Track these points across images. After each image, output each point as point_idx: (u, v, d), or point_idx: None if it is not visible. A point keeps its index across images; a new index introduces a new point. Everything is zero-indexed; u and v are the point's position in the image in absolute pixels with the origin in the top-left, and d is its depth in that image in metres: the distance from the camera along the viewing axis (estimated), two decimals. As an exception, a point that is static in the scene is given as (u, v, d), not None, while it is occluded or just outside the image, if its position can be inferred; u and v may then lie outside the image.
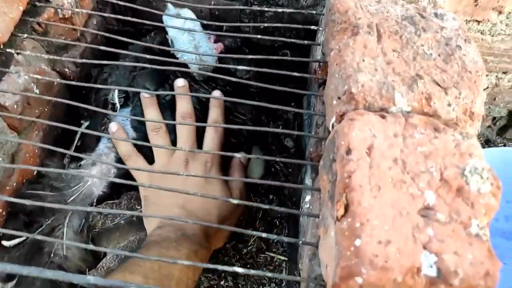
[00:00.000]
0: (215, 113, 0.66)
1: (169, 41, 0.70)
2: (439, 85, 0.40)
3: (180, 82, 0.66)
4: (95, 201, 0.64)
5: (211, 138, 0.65)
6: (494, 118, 0.98)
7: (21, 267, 0.41)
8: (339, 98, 0.40)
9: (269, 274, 0.39)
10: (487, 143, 0.98)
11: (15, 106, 0.56)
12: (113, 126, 0.64)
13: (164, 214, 0.58)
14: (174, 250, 0.52)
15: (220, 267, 0.39)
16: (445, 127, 0.37)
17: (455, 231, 0.32)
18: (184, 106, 0.65)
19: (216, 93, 0.67)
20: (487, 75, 0.87)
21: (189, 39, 0.66)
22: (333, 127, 0.40)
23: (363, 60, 0.41)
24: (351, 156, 0.35)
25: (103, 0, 0.74)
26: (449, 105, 0.39)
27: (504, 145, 0.97)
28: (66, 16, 0.67)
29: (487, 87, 0.89)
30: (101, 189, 0.65)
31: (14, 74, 0.56)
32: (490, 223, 0.33)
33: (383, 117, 0.37)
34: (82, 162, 0.64)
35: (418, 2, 0.50)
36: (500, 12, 0.73)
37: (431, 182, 0.34)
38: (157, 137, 0.64)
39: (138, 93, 0.65)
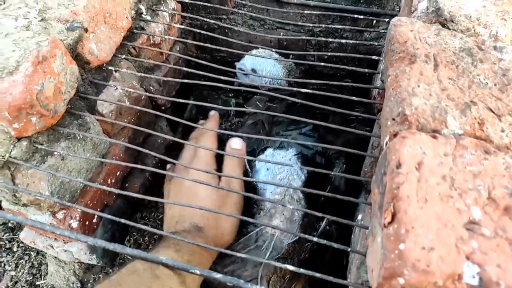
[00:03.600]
0: (229, 165, 0.69)
1: (249, 70, 0.79)
2: (493, 111, 0.42)
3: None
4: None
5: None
6: None
7: (108, 242, 0.49)
8: (393, 119, 0.44)
9: (318, 275, 0.43)
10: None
11: (110, 114, 0.66)
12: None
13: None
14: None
15: (273, 263, 0.43)
16: (496, 150, 0.39)
17: (500, 246, 0.33)
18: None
19: (236, 143, 0.71)
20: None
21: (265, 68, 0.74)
22: (386, 144, 0.44)
23: (418, 86, 0.44)
24: (400, 170, 0.38)
25: (187, 29, 0.84)
26: (503, 131, 0.41)
27: None
28: (156, 42, 0.78)
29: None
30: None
31: (112, 87, 0.66)
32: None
33: (434, 137, 0.40)
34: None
35: (478, 36, 0.53)
36: None
37: (478, 200, 0.36)
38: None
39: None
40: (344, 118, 0.67)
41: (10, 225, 0.92)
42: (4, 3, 0.58)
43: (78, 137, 0.61)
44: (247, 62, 0.85)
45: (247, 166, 0.70)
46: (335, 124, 0.55)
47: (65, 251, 0.74)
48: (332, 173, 0.54)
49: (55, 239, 0.72)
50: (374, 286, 0.36)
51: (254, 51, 0.84)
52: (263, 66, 0.84)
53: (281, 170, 0.66)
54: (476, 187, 0.36)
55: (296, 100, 0.59)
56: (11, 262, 0.86)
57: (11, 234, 0.90)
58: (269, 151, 0.70)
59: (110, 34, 0.66)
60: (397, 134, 0.42)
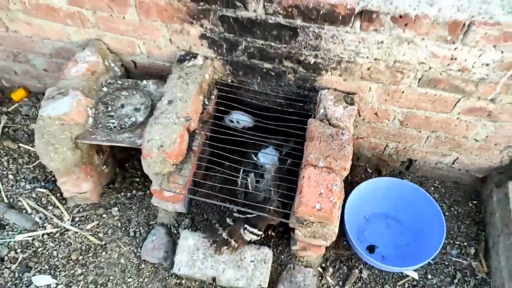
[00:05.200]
0: None
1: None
2: (335, 158, 1.38)
3: None
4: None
5: None
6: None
7: (194, 196, 1.44)
8: (306, 159, 1.39)
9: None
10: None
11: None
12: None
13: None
14: None
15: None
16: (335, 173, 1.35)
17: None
18: None
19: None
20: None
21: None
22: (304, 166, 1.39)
23: (312, 149, 1.39)
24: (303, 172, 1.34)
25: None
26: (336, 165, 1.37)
27: (407, 174, 1.91)
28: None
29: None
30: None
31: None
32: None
33: (315, 168, 1.36)
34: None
35: (338, 127, 1.48)
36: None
37: (323, 186, 1.33)
38: None
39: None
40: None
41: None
42: (161, 112, 1.47)
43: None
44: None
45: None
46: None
47: (170, 206, 1.67)
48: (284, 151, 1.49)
49: (167, 201, 1.65)
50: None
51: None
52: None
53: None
54: (323, 183, 1.33)
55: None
56: (139, 211, 1.77)
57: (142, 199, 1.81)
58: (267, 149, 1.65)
59: (196, 118, 1.56)
60: (305, 166, 1.38)
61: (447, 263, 1.69)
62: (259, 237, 1.51)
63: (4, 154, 1.97)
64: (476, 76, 1.38)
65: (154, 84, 1.71)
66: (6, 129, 2.07)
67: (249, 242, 1.53)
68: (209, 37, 1.56)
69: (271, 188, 1.53)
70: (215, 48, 1.60)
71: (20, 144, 2.01)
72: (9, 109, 2.16)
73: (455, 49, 1.31)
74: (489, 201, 1.76)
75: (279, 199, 1.49)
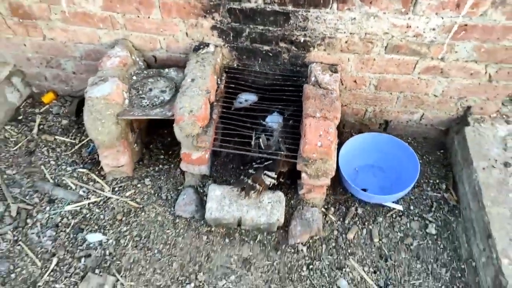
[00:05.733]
0: None
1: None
2: (325, 110, 1.77)
3: None
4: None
5: None
6: (380, 122, 2.33)
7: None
8: (306, 112, 1.78)
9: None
10: (378, 133, 2.33)
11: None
12: None
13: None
14: None
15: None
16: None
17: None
18: None
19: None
20: (370, 105, 2.23)
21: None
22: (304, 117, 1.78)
23: (310, 105, 1.78)
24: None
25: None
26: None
27: (385, 134, 2.32)
28: (221, 90, 2.07)
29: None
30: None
31: (215, 109, 1.95)
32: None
33: (313, 117, 1.75)
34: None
35: (327, 88, 1.88)
36: (366, 84, 2.11)
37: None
38: None
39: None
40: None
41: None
42: (186, 88, 1.85)
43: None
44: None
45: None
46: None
47: (196, 169, 2.01)
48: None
49: (193, 164, 1.99)
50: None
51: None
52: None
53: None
54: (321, 127, 1.72)
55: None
56: (167, 180, 2.10)
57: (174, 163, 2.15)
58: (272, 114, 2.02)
59: (213, 93, 1.93)
60: (306, 117, 1.76)
61: (424, 197, 2.08)
62: (275, 181, 1.86)
63: (43, 145, 2.28)
64: (427, 40, 1.82)
65: (175, 71, 2.09)
66: (41, 126, 2.39)
67: (269, 187, 1.88)
68: (219, 28, 1.96)
69: (279, 141, 1.90)
70: (224, 36, 2.00)
71: (56, 137, 2.33)
72: (41, 110, 2.48)
73: (408, 18, 1.75)
74: (452, 146, 2.18)
75: (287, 146, 1.86)
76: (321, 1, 1.74)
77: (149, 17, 1.97)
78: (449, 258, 1.86)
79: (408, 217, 2.00)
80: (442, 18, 1.72)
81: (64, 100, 2.53)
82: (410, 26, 1.78)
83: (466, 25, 1.73)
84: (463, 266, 1.83)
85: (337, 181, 2.11)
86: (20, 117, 2.44)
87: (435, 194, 2.08)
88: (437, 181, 2.14)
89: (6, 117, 2.39)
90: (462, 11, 1.69)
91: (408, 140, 2.32)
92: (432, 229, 1.94)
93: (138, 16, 1.97)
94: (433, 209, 2.03)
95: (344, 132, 2.36)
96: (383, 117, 2.26)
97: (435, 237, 1.93)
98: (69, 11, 2.01)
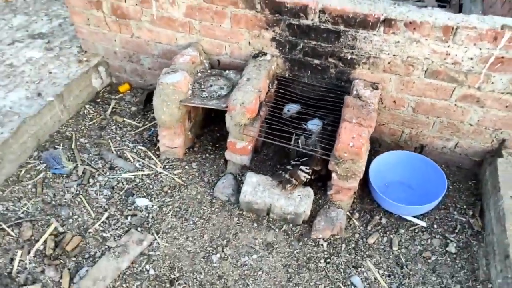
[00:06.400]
0: None
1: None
2: (363, 118, 1.96)
3: None
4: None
5: None
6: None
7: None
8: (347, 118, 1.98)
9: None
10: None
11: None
12: None
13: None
14: None
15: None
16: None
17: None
18: None
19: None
20: (407, 128, 2.37)
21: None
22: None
23: (347, 113, 1.99)
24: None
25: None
26: (364, 122, 1.95)
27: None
28: (271, 94, 2.34)
29: (408, 133, 2.38)
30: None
31: (263, 107, 2.21)
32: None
33: (349, 122, 1.94)
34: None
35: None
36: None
37: (355, 133, 1.90)
38: None
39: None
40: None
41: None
42: (242, 85, 2.13)
43: (257, 120, 2.14)
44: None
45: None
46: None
47: (238, 158, 2.25)
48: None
49: (236, 153, 2.23)
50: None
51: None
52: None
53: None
54: (355, 131, 1.91)
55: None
56: (211, 167, 2.36)
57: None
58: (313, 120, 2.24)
59: (264, 93, 2.20)
60: (343, 121, 1.96)
61: (449, 219, 2.14)
62: (309, 176, 2.05)
63: (113, 124, 2.66)
64: (465, 68, 1.98)
65: (234, 73, 2.40)
66: (114, 109, 2.78)
67: (304, 183, 2.07)
68: (278, 40, 2.26)
69: (316, 142, 2.10)
70: (280, 48, 2.29)
71: (124, 119, 2.70)
72: (116, 97, 2.89)
73: (448, 46, 1.93)
74: (484, 177, 2.25)
75: (323, 145, 2.05)
76: (370, 24, 1.99)
77: (220, 26, 2.32)
78: (466, 277, 1.89)
79: (430, 234, 2.07)
80: (480, 49, 1.89)
81: (136, 91, 2.93)
82: (449, 54, 1.95)
83: (503, 57, 1.88)
84: (478, 286, 1.85)
85: (366, 193, 2.24)
86: (98, 100, 2.86)
87: (460, 217, 2.14)
88: (465, 206, 2.19)
89: (87, 97, 2.82)
90: (499, 44, 1.85)
91: (442, 167, 2.41)
92: (452, 248, 1.99)
93: (212, 24, 2.33)
94: (456, 230, 2.08)
95: (379, 151, 2.50)
96: (418, 141, 2.39)
97: (454, 256, 1.97)
98: (157, 15, 2.42)
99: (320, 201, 2.17)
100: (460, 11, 3.70)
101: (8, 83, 2.60)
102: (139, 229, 2.05)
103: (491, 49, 1.87)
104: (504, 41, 1.83)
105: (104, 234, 2.03)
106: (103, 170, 2.35)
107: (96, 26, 2.66)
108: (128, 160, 2.42)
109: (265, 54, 2.33)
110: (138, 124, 2.67)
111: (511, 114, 2.07)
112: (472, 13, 2.16)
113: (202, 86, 2.32)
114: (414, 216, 2.13)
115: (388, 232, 2.08)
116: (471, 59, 1.93)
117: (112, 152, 2.46)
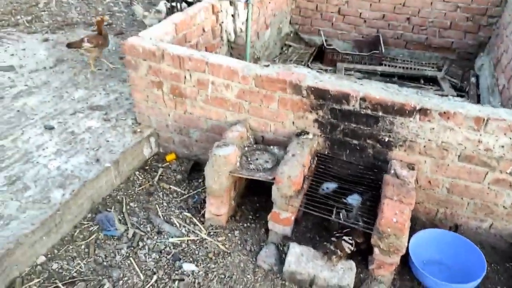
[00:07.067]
0: None
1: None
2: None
3: None
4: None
5: None
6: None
7: None
8: None
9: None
10: None
11: (305, 189, 2.36)
12: None
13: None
14: None
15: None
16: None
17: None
18: None
19: None
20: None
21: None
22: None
23: None
24: (383, 204, 2.06)
25: (319, 166, 2.57)
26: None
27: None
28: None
29: (443, 212, 2.49)
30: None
31: (306, 182, 2.38)
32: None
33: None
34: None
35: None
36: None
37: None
38: None
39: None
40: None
41: (246, 225, 2.55)
42: (287, 160, 2.34)
43: (301, 193, 2.30)
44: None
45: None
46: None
47: (281, 228, 2.37)
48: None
49: (279, 224, 2.36)
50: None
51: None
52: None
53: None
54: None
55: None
56: (253, 236, 2.47)
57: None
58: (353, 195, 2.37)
59: (306, 169, 2.39)
60: (384, 198, 2.10)
61: (491, 301, 2.16)
62: (352, 247, 2.14)
63: (160, 191, 2.85)
64: (497, 155, 2.15)
65: (278, 148, 2.62)
66: (161, 176, 2.99)
67: (348, 255, 2.16)
68: (320, 121, 2.50)
69: (357, 216, 2.22)
70: (322, 128, 2.53)
71: (171, 186, 2.89)
72: (163, 165, 3.12)
73: (480, 135, 2.13)
74: (522, 260, 2.29)
75: (365, 219, 2.17)
76: (407, 112, 2.22)
77: (268, 107, 2.60)
78: None
79: (472, 314, 2.08)
80: (510, 138, 2.08)
81: (181, 161, 3.16)
82: (481, 141, 2.15)
83: (531, 146, 2.07)
84: None
85: (405, 270, 2.30)
86: (147, 167, 3.08)
87: (502, 300, 2.16)
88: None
89: (138, 165, 3.05)
90: (527, 135, 2.04)
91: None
92: (497, 331, 1.99)
93: (260, 105, 2.62)
94: (499, 313, 2.09)
95: (415, 229, 2.59)
96: (453, 220, 2.49)
97: None
98: (211, 96, 2.73)
99: (361, 275, 2.23)
100: (478, 101, 3.99)
101: (69, 149, 2.87)
102: (186, 294, 2.13)
103: (520, 138, 2.07)
104: (532, 131, 2.02)
105: (153, 298, 2.11)
106: (151, 234, 2.48)
107: (153, 102, 2.98)
108: (174, 225, 2.56)
109: (307, 133, 2.57)
110: (183, 191, 2.85)
111: (543, 198, 2.19)
112: (490, 104, 2.40)
113: (249, 159, 2.54)
114: (455, 296, 2.16)
115: (429, 311, 2.10)
116: (502, 147, 2.12)
117: (160, 217, 2.61)
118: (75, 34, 4.85)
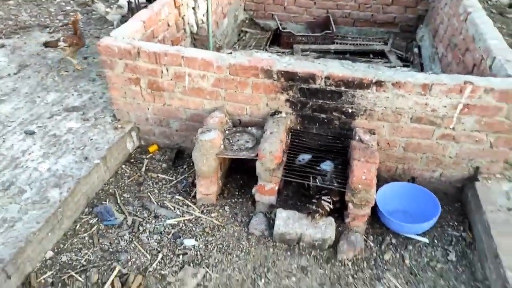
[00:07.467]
0: None
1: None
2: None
3: None
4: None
5: None
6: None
7: None
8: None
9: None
10: None
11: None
12: None
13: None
14: None
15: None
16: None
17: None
18: None
19: None
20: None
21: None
22: (351, 163, 2.47)
23: None
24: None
25: (293, 140, 2.89)
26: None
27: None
28: (288, 144, 2.83)
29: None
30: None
31: (285, 155, 2.69)
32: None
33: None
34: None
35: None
36: (396, 147, 2.82)
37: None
38: None
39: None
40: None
41: (234, 201, 2.83)
42: (267, 137, 2.63)
43: (282, 166, 2.61)
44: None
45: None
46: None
47: (266, 198, 2.67)
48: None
49: (265, 194, 2.66)
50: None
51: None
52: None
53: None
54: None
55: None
56: (241, 209, 2.76)
57: (236, 203, 2.82)
58: (326, 162, 2.72)
59: (284, 144, 2.70)
60: (354, 160, 2.46)
61: (446, 234, 2.61)
62: (331, 205, 2.49)
63: (149, 180, 3.05)
64: (441, 114, 2.56)
65: (255, 129, 2.90)
66: (147, 167, 3.18)
67: (327, 213, 2.50)
68: (291, 101, 2.80)
69: (332, 178, 2.57)
70: (293, 107, 2.83)
71: (158, 175, 3.10)
72: (147, 157, 3.30)
73: (427, 99, 2.52)
74: (467, 199, 2.76)
75: (338, 180, 2.52)
76: (365, 85, 2.57)
77: (243, 92, 2.85)
78: (467, 278, 2.33)
79: (432, 247, 2.52)
80: (450, 99, 2.49)
81: (164, 151, 3.36)
82: (428, 104, 2.54)
83: (468, 104, 2.49)
84: (478, 285, 2.28)
85: (375, 220, 2.69)
86: (132, 160, 3.26)
87: (454, 233, 2.61)
88: (456, 223, 2.68)
89: (123, 158, 3.22)
90: (464, 95, 2.46)
91: (432, 195, 2.92)
92: (452, 257, 2.44)
93: (235, 92, 2.87)
94: (453, 243, 2.54)
95: (379, 185, 2.99)
96: (410, 174, 2.91)
97: (455, 263, 2.42)
98: (188, 87, 2.94)
99: (339, 228, 2.59)
100: (422, 69, 4.47)
101: (56, 150, 2.98)
102: (191, 264, 2.38)
103: (458, 99, 2.48)
104: (467, 92, 2.44)
105: (162, 272, 2.34)
106: (149, 219, 2.70)
107: (132, 98, 3.14)
108: (169, 208, 2.78)
109: (280, 112, 2.86)
110: (171, 178, 3.07)
111: (480, 147, 2.64)
112: (432, 71, 2.80)
113: (231, 141, 2.80)
114: (417, 235, 2.58)
115: (399, 249, 2.51)
116: (445, 106, 2.53)
117: (154, 203, 2.83)
118: (31, 37, 4.81)
